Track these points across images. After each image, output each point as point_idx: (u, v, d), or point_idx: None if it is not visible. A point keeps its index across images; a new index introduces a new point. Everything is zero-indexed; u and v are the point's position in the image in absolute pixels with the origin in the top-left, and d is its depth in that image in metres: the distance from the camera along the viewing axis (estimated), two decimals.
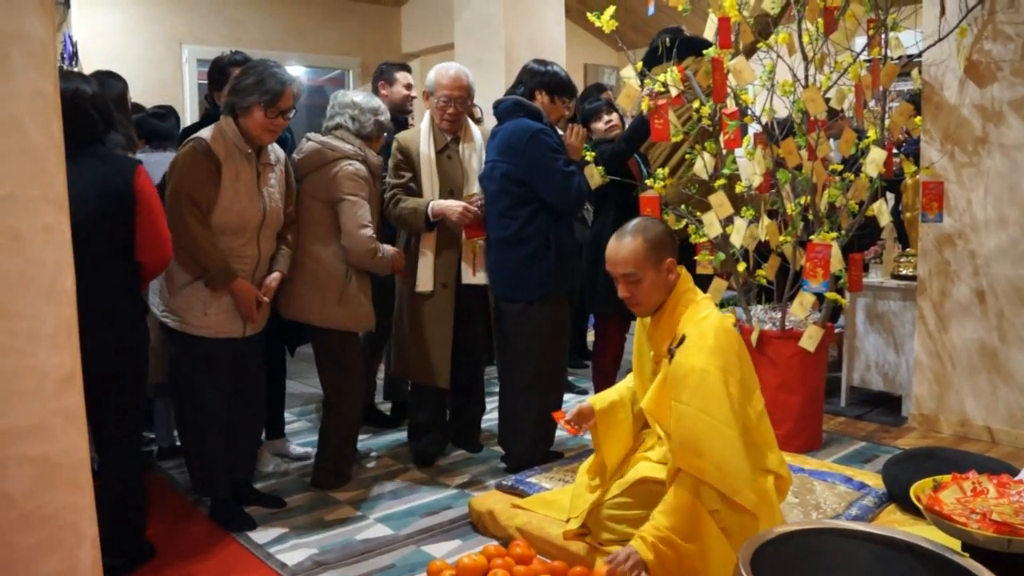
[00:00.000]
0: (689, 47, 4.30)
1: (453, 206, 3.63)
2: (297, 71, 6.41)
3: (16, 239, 2.06)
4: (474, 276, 3.76)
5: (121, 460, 2.90)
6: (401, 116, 4.42)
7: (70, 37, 6.03)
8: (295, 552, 3.05)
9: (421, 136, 3.78)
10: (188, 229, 3.02)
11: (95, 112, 2.79)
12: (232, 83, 3.19)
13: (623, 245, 2.66)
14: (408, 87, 4.51)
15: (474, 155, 3.84)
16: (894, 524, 2.92)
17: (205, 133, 3.13)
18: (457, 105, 3.74)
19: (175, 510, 3.46)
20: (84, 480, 2.24)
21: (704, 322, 2.60)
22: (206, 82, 4.17)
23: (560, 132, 3.76)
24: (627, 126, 4.35)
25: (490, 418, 4.59)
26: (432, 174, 3.73)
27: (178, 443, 4.14)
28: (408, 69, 4.62)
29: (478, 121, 4.06)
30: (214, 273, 3.08)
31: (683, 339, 2.60)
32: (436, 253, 3.73)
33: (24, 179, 2.05)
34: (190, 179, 3.05)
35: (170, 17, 6.81)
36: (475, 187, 3.78)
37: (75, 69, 5.99)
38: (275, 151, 3.33)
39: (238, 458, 3.41)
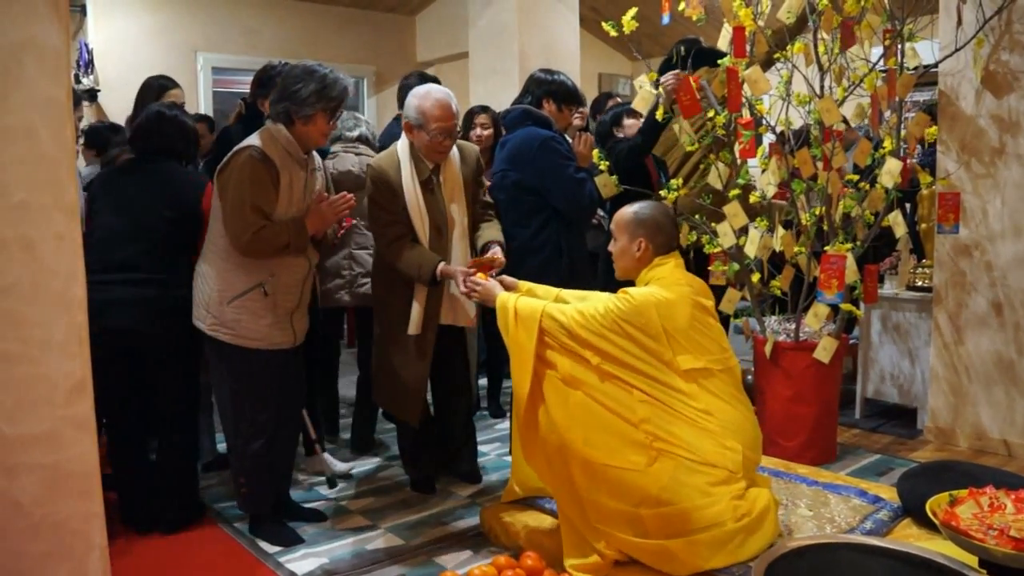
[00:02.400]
0: (705, 57, 4.28)
1: (459, 277, 3.20)
2: None
3: (28, 247, 2.06)
4: (459, 315, 3.48)
5: (180, 434, 3.36)
6: None
7: (86, 45, 6.07)
8: (305, 561, 3.04)
9: (402, 167, 3.36)
10: (260, 238, 2.95)
11: (180, 138, 3.38)
12: (286, 90, 3.05)
13: (624, 209, 3.05)
14: None
15: (455, 183, 3.45)
16: (909, 539, 2.89)
17: (255, 141, 3.02)
18: (452, 136, 3.35)
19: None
20: (94, 488, 2.24)
21: (651, 284, 2.92)
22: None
23: (569, 140, 3.75)
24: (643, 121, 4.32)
25: (502, 428, 4.58)
26: (421, 211, 3.35)
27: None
28: (437, 82, 4.57)
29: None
30: (294, 242, 3.04)
31: None
32: (426, 296, 3.39)
33: (36, 186, 2.06)
34: (253, 188, 2.96)
35: (186, 25, 6.85)
36: (455, 220, 3.43)
37: (91, 77, 6.04)
38: (315, 157, 3.28)
39: (283, 472, 3.40)
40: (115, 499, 3.33)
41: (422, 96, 3.30)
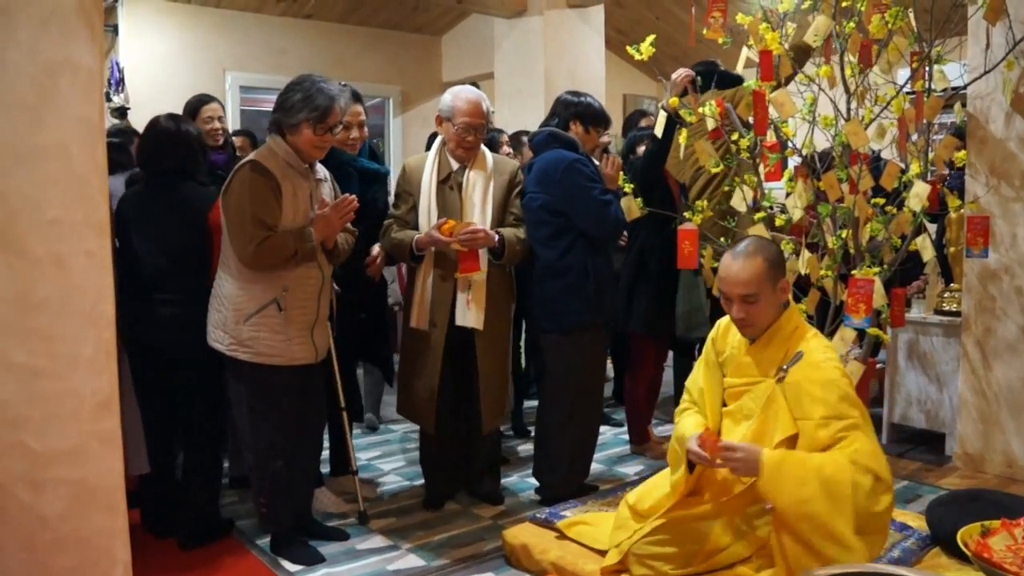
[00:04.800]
0: (724, 81, 4.28)
1: (436, 237, 3.36)
2: None
3: (59, 263, 2.08)
4: (467, 316, 3.45)
5: (204, 448, 3.34)
6: None
7: (117, 63, 6.15)
8: None
9: (426, 164, 3.54)
10: (264, 249, 2.94)
11: (198, 149, 3.34)
12: (277, 101, 3.09)
13: (744, 266, 2.62)
14: None
15: (479, 185, 3.53)
16: (939, 569, 2.84)
17: (254, 155, 3.04)
18: (477, 133, 3.48)
19: None
20: (118, 504, 2.25)
21: (819, 339, 2.66)
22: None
23: (596, 162, 3.76)
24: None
25: (525, 449, 4.56)
26: (430, 206, 3.48)
27: None
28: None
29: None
30: (301, 250, 3.01)
31: (798, 356, 2.60)
32: (431, 287, 3.47)
33: (68, 204, 2.08)
34: (254, 200, 2.96)
35: (215, 44, 6.93)
36: (475, 219, 3.47)
37: (121, 95, 6.11)
38: (320, 168, 3.27)
39: (304, 491, 3.40)
40: (138, 515, 3.36)
41: (456, 92, 3.53)
